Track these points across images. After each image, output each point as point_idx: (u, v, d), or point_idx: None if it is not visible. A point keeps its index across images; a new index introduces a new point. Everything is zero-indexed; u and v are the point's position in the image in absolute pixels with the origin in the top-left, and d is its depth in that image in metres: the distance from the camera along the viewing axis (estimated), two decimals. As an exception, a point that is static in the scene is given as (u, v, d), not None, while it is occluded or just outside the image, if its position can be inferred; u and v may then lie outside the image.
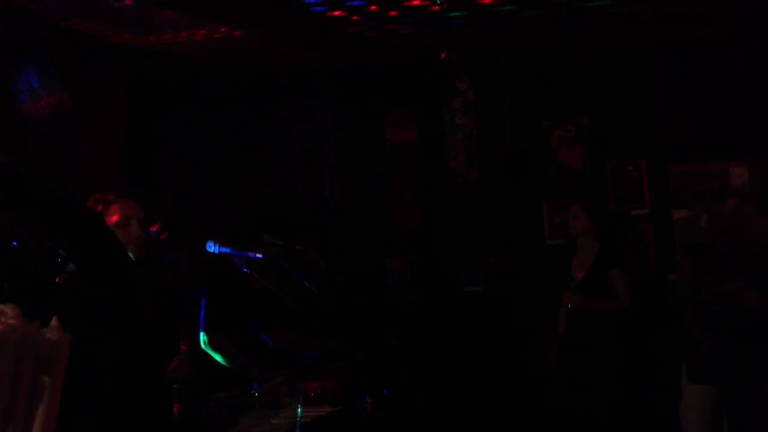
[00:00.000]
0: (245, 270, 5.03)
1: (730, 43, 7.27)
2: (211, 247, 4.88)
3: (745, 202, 5.79)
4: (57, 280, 1.93)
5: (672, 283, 6.75)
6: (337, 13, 6.12)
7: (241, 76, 7.80)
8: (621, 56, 7.50)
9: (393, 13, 6.22)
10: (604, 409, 6.03)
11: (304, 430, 3.59)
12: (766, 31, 7.04)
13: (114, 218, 3.95)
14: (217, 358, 4.75)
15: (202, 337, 4.75)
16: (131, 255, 3.95)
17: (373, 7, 6.04)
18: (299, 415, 3.58)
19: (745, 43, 7.22)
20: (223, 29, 6.46)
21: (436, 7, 5.92)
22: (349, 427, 4.15)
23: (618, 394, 6.04)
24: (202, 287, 4.81)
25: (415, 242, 7.78)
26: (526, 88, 7.72)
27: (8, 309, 1.68)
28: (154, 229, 5.17)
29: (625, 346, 6.08)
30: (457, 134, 7.79)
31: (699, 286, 5.60)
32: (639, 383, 6.07)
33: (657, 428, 6.02)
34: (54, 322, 1.73)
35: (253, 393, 3.82)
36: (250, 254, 4.88)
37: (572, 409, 6.26)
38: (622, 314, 6.06)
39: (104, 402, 2.00)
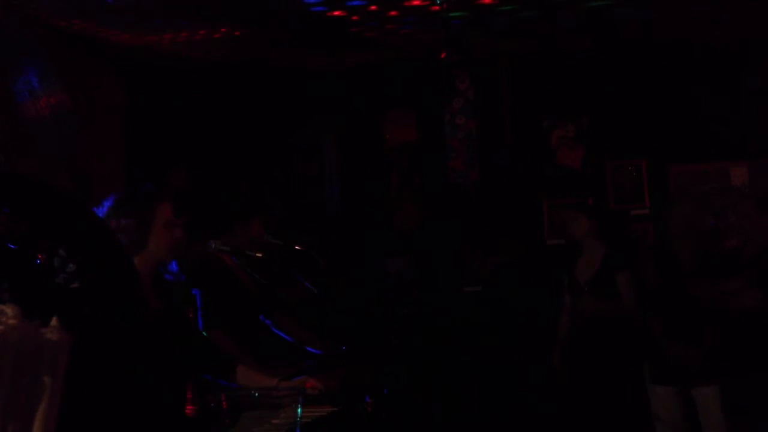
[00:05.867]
0: (245, 269, 5.05)
1: (729, 44, 7.27)
2: (212, 247, 4.89)
3: (745, 202, 5.78)
4: (57, 280, 1.93)
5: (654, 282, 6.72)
6: (337, 13, 6.12)
7: (240, 76, 7.80)
8: (621, 56, 7.50)
9: (393, 13, 6.22)
10: (608, 411, 6.03)
11: (304, 430, 3.59)
12: (765, 31, 7.04)
13: (165, 218, 3.86)
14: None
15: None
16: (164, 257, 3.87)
17: (373, 7, 6.04)
18: (299, 415, 3.58)
19: (744, 44, 7.22)
20: (223, 29, 6.46)
21: (436, 7, 5.92)
22: (349, 427, 4.15)
23: (621, 395, 6.04)
24: (198, 286, 4.82)
25: (415, 242, 7.78)
26: (526, 88, 7.72)
27: (8, 309, 1.68)
28: None
29: (629, 347, 6.08)
30: (457, 134, 7.79)
31: (694, 286, 5.58)
32: (642, 385, 6.06)
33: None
34: (54, 322, 1.73)
35: (253, 393, 3.83)
36: (249, 253, 4.91)
37: (575, 411, 6.26)
38: (628, 317, 6.06)
39: (106, 401, 2.00)
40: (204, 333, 4.77)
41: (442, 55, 6.47)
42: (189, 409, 4.62)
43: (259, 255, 4.92)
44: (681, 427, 5.67)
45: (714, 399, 5.50)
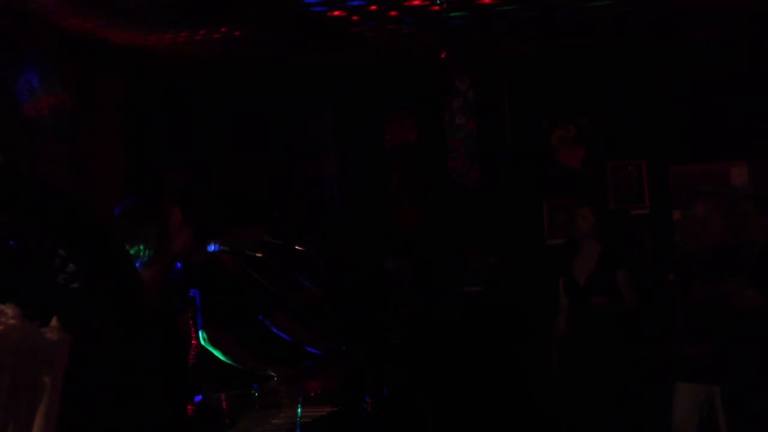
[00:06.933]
0: (245, 269, 5.05)
1: (730, 43, 7.27)
2: (211, 247, 4.89)
3: (744, 202, 5.78)
4: (57, 280, 1.93)
5: (672, 282, 6.74)
6: (337, 13, 6.12)
7: (241, 76, 7.80)
8: (621, 56, 7.49)
9: (393, 13, 6.21)
10: (606, 409, 6.03)
11: (304, 430, 3.60)
12: (765, 30, 7.04)
13: (178, 220, 3.86)
14: (218, 354, 4.76)
15: (201, 334, 4.77)
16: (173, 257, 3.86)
17: (373, 7, 6.04)
18: (299, 415, 3.58)
19: (745, 43, 7.22)
20: (223, 29, 6.46)
21: (436, 7, 5.92)
22: (349, 427, 4.15)
23: (620, 394, 6.04)
24: (196, 286, 4.82)
25: (415, 242, 7.78)
26: (526, 88, 7.72)
27: (8, 309, 1.68)
28: None
29: (628, 346, 6.08)
30: (457, 134, 7.77)
31: (694, 286, 5.59)
32: (642, 383, 6.07)
33: (661, 429, 6.00)
34: (54, 322, 1.73)
35: (253, 393, 3.83)
36: (249, 253, 4.91)
37: (576, 411, 6.26)
38: (627, 314, 6.06)
39: (106, 401, 2.00)
40: (203, 332, 4.77)
41: (442, 55, 6.46)
42: (189, 409, 4.62)
43: (259, 255, 4.93)
44: (701, 426, 5.66)
45: (719, 399, 5.51)
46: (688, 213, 5.76)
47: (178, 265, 4.18)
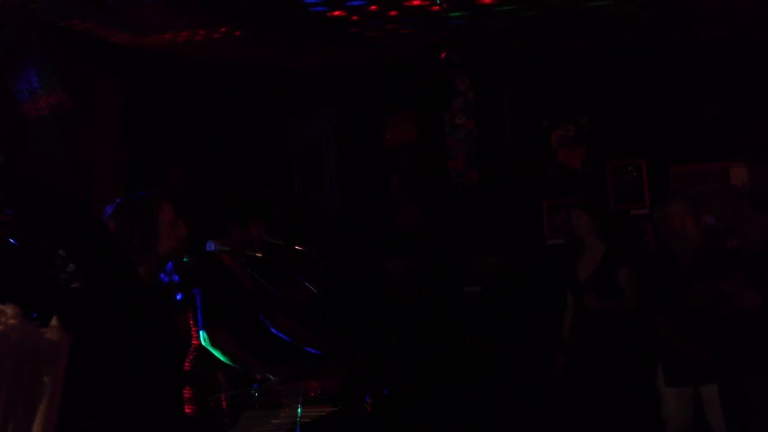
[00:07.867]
0: (244, 269, 5.06)
1: (730, 43, 7.27)
2: (211, 247, 4.89)
3: (741, 202, 5.78)
4: (57, 280, 1.93)
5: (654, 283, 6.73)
6: (337, 13, 6.12)
7: (241, 76, 7.80)
8: (621, 56, 7.50)
9: (393, 13, 6.22)
10: (609, 411, 6.02)
11: (304, 430, 3.60)
12: (765, 31, 7.04)
13: (168, 218, 3.84)
14: (218, 354, 4.76)
15: (202, 334, 4.76)
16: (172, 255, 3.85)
17: (373, 7, 6.04)
18: (299, 415, 3.58)
19: (745, 43, 7.22)
20: (223, 29, 6.46)
21: (436, 7, 5.92)
22: (349, 427, 4.15)
23: (625, 395, 6.03)
24: (197, 286, 4.82)
25: (415, 242, 7.78)
26: (526, 88, 7.72)
27: (8, 309, 1.68)
28: None
29: (632, 348, 6.07)
30: (457, 134, 7.79)
31: (690, 287, 5.57)
32: (646, 385, 6.05)
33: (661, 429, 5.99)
34: (54, 322, 1.73)
35: (253, 393, 3.83)
36: (249, 253, 4.92)
37: (576, 411, 6.26)
38: (629, 314, 6.05)
39: (106, 402, 2.00)
40: (204, 332, 4.78)
41: (442, 55, 6.47)
42: (188, 409, 4.63)
43: (259, 255, 4.93)
44: (691, 429, 5.65)
45: (717, 397, 5.51)
46: (664, 212, 5.74)
47: (169, 265, 4.17)
